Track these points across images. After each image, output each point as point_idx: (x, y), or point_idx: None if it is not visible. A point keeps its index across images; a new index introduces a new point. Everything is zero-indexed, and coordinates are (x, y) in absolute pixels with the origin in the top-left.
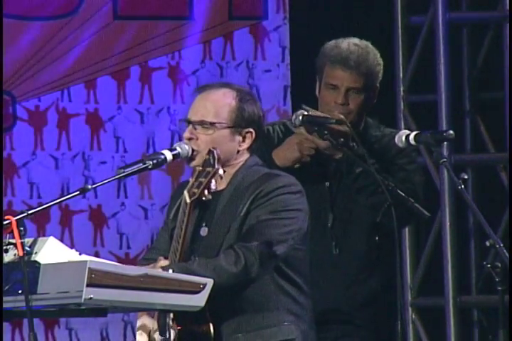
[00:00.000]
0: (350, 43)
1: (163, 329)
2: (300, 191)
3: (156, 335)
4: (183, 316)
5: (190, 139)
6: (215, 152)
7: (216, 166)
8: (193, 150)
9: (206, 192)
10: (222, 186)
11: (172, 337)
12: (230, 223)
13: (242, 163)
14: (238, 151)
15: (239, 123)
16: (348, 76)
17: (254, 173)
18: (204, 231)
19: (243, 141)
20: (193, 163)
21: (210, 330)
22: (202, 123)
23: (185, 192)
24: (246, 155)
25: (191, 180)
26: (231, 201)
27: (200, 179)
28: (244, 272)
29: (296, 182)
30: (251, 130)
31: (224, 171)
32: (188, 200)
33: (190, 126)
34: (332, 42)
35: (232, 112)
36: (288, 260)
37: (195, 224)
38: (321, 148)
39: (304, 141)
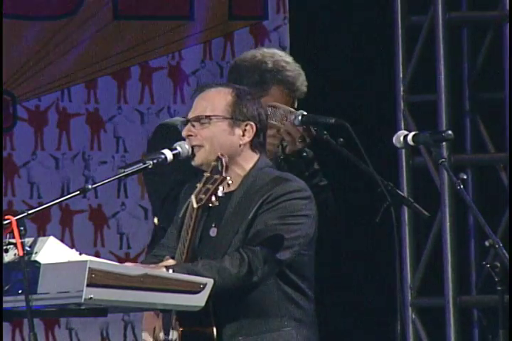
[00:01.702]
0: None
1: (167, 329)
2: (309, 196)
3: (161, 334)
4: (187, 317)
5: (188, 136)
6: (223, 159)
7: (224, 174)
8: (192, 148)
9: (213, 198)
10: (233, 187)
11: (175, 338)
12: (238, 225)
13: (252, 164)
14: (240, 145)
15: (237, 116)
16: None
17: (265, 176)
18: (213, 232)
19: (243, 134)
20: (196, 161)
21: (213, 333)
22: (199, 118)
23: (193, 197)
24: (254, 156)
25: (199, 186)
26: (241, 203)
27: (208, 185)
28: (248, 275)
29: (305, 188)
30: (251, 123)
31: (230, 178)
32: (195, 205)
33: (189, 125)
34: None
35: (228, 106)
36: (293, 265)
37: (205, 224)
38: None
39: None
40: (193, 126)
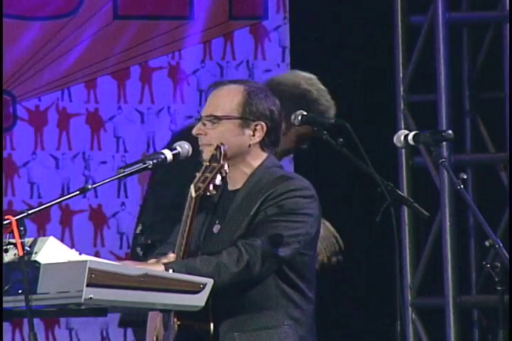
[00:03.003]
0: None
1: (166, 324)
2: (312, 196)
3: (162, 330)
4: (185, 312)
5: (199, 135)
6: (222, 148)
7: (221, 162)
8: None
9: (211, 187)
10: (238, 185)
11: (173, 332)
12: (240, 222)
13: (259, 163)
14: (250, 145)
15: (246, 116)
16: None
17: (270, 175)
18: (217, 228)
19: (254, 134)
20: (203, 157)
21: (210, 328)
22: (210, 117)
23: (191, 187)
24: (263, 155)
25: (198, 175)
26: (245, 201)
27: (206, 174)
28: (245, 271)
29: (309, 187)
30: (261, 123)
31: (228, 166)
32: (193, 194)
33: (200, 123)
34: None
35: (238, 106)
36: (292, 264)
37: (209, 221)
38: None
39: None
40: (204, 124)
